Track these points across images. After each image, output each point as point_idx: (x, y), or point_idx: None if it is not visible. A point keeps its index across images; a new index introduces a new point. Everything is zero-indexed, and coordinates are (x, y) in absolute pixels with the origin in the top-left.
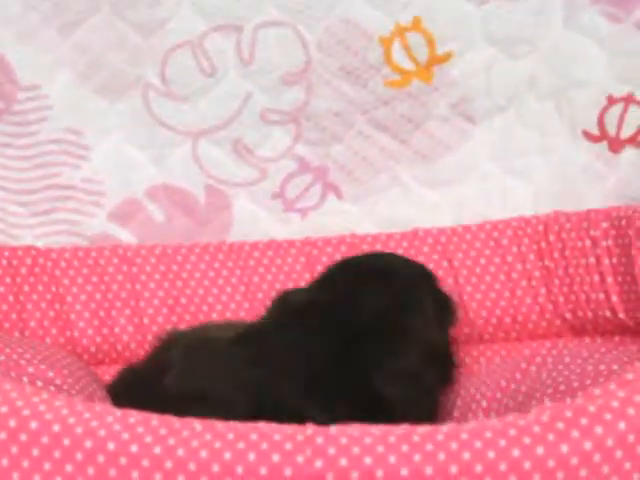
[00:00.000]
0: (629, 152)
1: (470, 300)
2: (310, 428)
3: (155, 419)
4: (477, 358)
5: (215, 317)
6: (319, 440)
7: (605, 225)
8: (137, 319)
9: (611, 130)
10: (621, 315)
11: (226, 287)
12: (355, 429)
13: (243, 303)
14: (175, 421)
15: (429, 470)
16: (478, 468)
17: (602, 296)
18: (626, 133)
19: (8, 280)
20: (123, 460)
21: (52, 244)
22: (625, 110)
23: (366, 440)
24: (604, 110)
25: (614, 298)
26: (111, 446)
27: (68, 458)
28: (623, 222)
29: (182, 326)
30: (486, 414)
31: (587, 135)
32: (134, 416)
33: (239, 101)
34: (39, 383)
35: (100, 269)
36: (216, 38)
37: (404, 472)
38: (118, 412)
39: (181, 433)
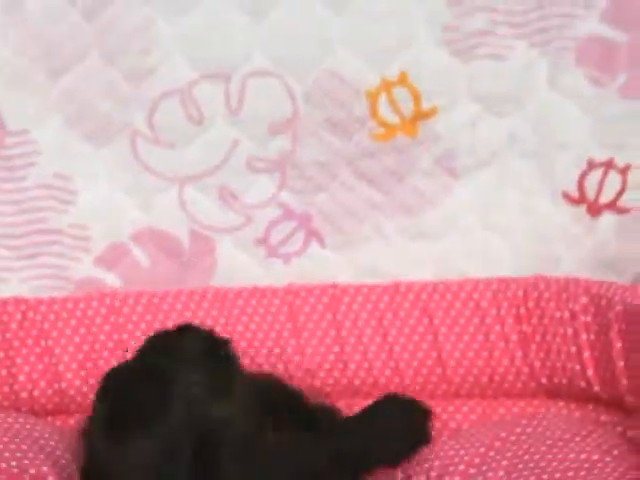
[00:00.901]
0: (607, 217)
1: (448, 357)
2: None
3: None
4: (453, 414)
5: None
6: None
7: (584, 300)
8: None
9: (591, 194)
10: (596, 388)
11: None
12: None
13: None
14: None
15: None
16: None
17: (578, 367)
18: (605, 198)
19: None
20: None
21: (38, 288)
22: (605, 175)
23: None
24: (584, 173)
25: (589, 372)
26: None
27: None
28: (603, 302)
29: None
30: (463, 477)
31: (567, 197)
32: None
33: (226, 148)
34: None
35: (88, 320)
36: (205, 86)
37: None
38: None
39: None
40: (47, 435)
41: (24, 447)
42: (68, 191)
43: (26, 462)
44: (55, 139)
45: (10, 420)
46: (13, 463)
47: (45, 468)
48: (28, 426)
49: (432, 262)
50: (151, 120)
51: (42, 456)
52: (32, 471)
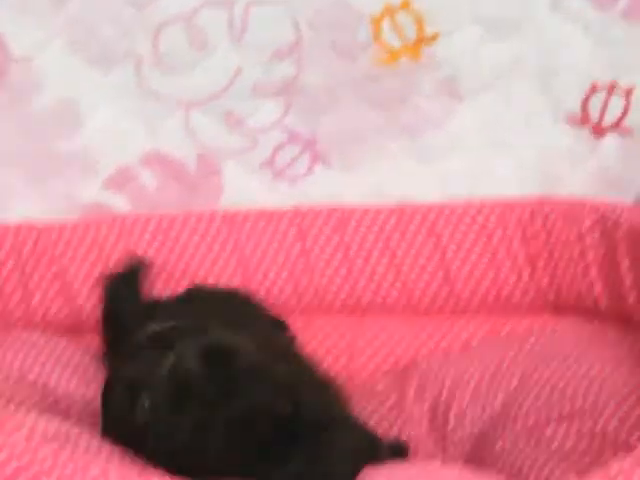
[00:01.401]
0: (611, 138)
1: (455, 277)
2: None
3: None
4: (461, 331)
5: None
6: None
7: (591, 220)
8: None
9: (594, 115)
10: (603, 305)
11: (220, 257)
12: None
13: (236, 273)
14: None
15: None
16: None
17: (585, 284)
18: (609, 120)
19: (11, 263)
20: None
21: (46, 212)
22: (608, 97)
23: None
24: (588, 96)
25: (597, 289)
26: None
27: None
28: (609, 222)
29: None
30: (474, 395)
31: (570, 119)
32: None
33: (230, 74)
34: None
35: (99, 244)
36: (207, 14)
37: None
38: None
39: None
40: (72, 352)
41: (51, 364)
42: (74, 116)
43: (54, 378)
44: (60, 65)
45: (35, 338)
46: (41, 380)
47: (73, 384)
48: (53, 343)
49: (437, 183)
50: (155, 46)
51: (69, 373)
52: (60, 389)
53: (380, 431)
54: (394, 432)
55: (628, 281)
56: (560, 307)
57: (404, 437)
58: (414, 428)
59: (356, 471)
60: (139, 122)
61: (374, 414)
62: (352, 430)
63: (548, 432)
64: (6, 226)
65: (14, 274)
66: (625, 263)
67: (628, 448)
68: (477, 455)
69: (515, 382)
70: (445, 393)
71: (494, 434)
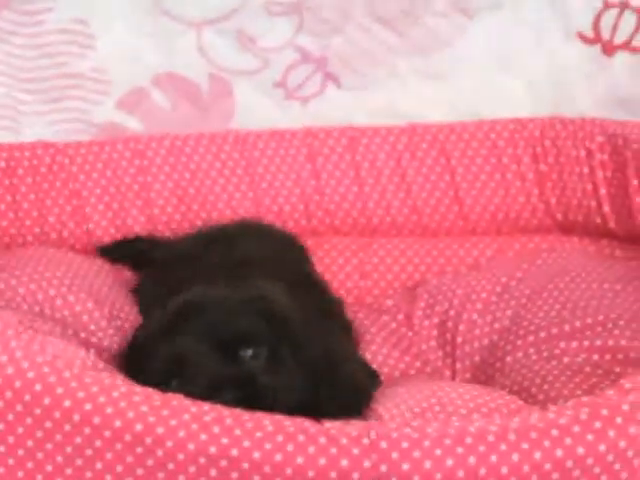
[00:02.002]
0: (621, 56)
1: (465, 196)
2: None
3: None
4: (470, 250)
5: (221, 207)
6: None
7: (601, 139)
8: (148, 210)
9: (605, 34)
10: (611, 224)
11: (232, 178)
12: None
13: (248, 193)
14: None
15: (482, 471)
16: (525, 468)
17: (594, 204)
18: (620, 38)
19: (29, 180)
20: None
21: (61, 131)
22: (620, 15)
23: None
24: (599, 14)
25: (606, 208)
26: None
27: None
28: (620, 141)
29: (190, 215)
30: (484, 308)
31: (581, 37)
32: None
33: None
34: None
35: (114, 163)
36: None
37: (460, 474)
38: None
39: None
40: (93, 273)
41: (69, 281)
42: (87, 35)
43: (71, 298)
44: None
45: (60, 255)
46: (59, 302)
47: (90, 304)
48: (76, 264)
49: (447, 103)
50: None
51: (85, 293)
52: (78, 307)
53: (390, 345)
54: (403, 346)
55: (637, 201)
56: (568, 226)
57: (414, 350)
58: (423, 342)
59: (365, 402)
60: (151, 41)
61: (384, 328)
62: (360, 366)
63: (560, 347)
64: (22, 144)
65: (31, 192)
66: (634, 183)
67: (639, 364)
68: (487, 368)
69: (524, 298)
70: (455, 308)
71: (504, 347)
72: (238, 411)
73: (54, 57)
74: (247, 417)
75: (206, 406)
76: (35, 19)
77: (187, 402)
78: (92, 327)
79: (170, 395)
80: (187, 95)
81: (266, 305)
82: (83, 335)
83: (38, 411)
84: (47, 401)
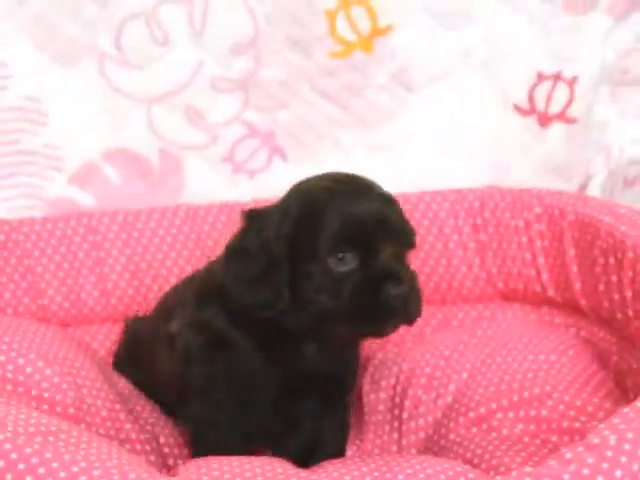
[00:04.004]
0: (556, 127)
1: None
2: None
3: None
4: None
5: (173, 280)
6: None
7: (538, 210)
8: (102, 285)
9: (540, 105)
10: (550, 292)
11: (183, 251)
12: None
13: (199, 266)
14: None
15: None
16: None
17: (533, 272)
18: (554, 109)
19: None
20: None
21: (13, 208)
22: (554, 87)
23: None
24: (534, 85)
25: (544, 276)
26: None
27: None
28: (556, 212)
29: (143, 289)
30: (428, 383)
31: (517, 109)
32: None
33: (191, 69)
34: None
35: (67, 239)
36: (169, 9)
37: None
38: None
39: None
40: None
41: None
42: (40, 113)
43: (21, 361)
44: (25, 62)
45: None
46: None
47: (40, 363)
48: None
49: (391, 174)
50: (118, 42)
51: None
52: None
53: None
54: (353, 421)
55: (574, 269)
56: (510, 294)
57: (364, 425)
58: (373, 415)
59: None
60: (102, 118)
61: None
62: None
63: (497, 420)
64: None
65: None
66: (571, 252)
67: (574, 433)
68: (432, 444)
69: (465, 374)
70: (401, 382)
71: (447, 425)
72: None
73: (7, 134)
74: None
75: None
76: None
77: None
78: (44, 385)
79: None
80: (138, 170)
81: None
82: (35, 392)
83: None
84: None
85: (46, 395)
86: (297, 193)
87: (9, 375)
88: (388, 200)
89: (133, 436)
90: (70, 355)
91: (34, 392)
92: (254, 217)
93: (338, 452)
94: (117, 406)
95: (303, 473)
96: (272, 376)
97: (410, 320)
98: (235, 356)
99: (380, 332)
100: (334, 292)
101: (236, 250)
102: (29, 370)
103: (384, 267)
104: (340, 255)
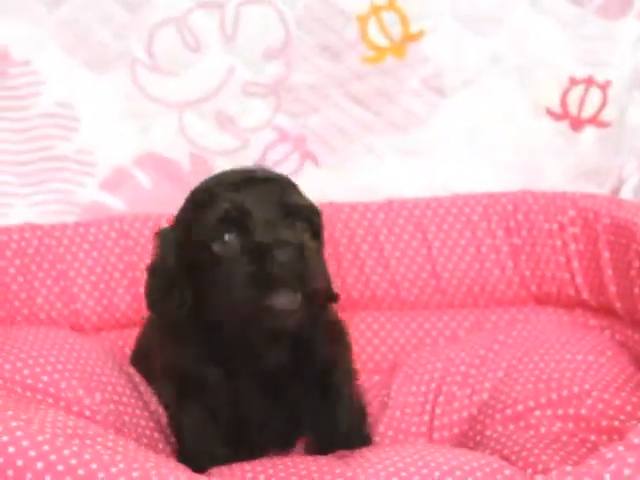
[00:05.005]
0: (589, 131)
1: (442, 270)
2: None
3: None
4: (448, 322)
5: None
6: None
7: (572, 213)
8: (134, 289)
9: (573, 110)
10: (585, 295)
11: None
12: None
13: None
14: None
15: None
16: None
17: (567, 276)
18: (587, 113)
19: (17, 262)
20: None
21: (45, 213)
22: (586, 91)
23: None
24: (566, 90)
25: (579, 280)
26: None
27: None
28: (591, 215)
29: None
30: (463, 381)
31: (550, 113)
32: None
33: (222, 75)
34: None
35: (99, 244)
36: (200, 14)
37: None
38: None
39: None
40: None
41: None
42: (72, 118)
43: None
44: (56, 68)
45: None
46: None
47: (74, 382)
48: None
49: (422, 178)
50: (149, 48)
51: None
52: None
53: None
54: (385, 421)
55: (608, 272)
56: (543, 298)
57: (394, 424)
58: (404, 416)
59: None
60: (133, 123)
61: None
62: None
63: (535, 417)
64: (9, 228)
65: (19, 274)
66: (606, 254)
67: (613, 432)
68: (467, 440)
69: (502, 372)
70: (435, 380)
71: (483, 421)
72: None
73: (39, 140)
74: None
75: None
76: (21, 104)
77: None
78: (75, 401)
79: None
80: (168, 175)
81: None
82: (63, 404)
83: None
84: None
85: (75, 409)
86: (185, 200)
87: (40, 385)
88: (267, 179)
89: (160, 446)
90: (98, 368)
91: (62, 404)
92: (158, 234)
93: (352, 428)
94: (145, 413)
95: (338, 469)
96: (246, 392)
97: (304, 286)
98: (203, 399)
99: (274, 304)
100: (226, 274)
101: (148, 268)
102: (63, 385)
103: (261, 238)
104: (224, 238)
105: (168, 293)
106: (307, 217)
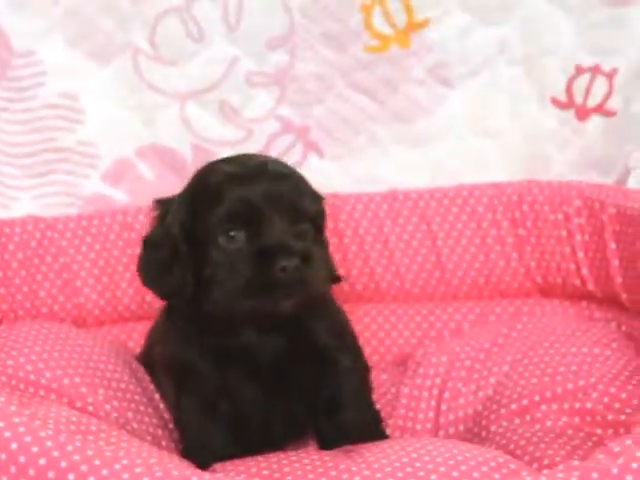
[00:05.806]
0: (595, 120)
1: (447, 261)
2: None
3: None
4: (452, 314)
5: None
6: None
7: (578, 203)
8: (137, 282)
9: (578, 98)
10: (590, 286)
11: None
12: None
13: None
14: None
15: None
16: None
17: (572, 266)
18: (593, 102)
19: (20, 255)
20: None
21: (48, 205)
22: (592, 80)
23: None
24: (572, 79)
25: (584, 270)
26: None
27: None
28: (596, 205)
29: None
30: (468, 377)
31: (555, 102)
32: None
33: (225, 65)
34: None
35: (102, 236)
36: (203, 4)
37: None
38: None
39: None
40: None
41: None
42: (75, 110)
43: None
44: (59, 58)
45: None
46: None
47: (77, 379)
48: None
49: (427, 169)
50: (152, 38)
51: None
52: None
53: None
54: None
55: (615, 263)
56: (548, 289)
57: (400, 423)
58: (410, 411)
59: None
60: (136, 114)
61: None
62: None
63: (540, 412)
64: (12, 220)
65: (21, 267)
66: (611, 246)
67: (619, 426)
68: (472, 436)
69: (507, 366)
70: (439, 375)
71: (489, 417)
72: None
73: (43, 132)
74: None
75: None
76: (24, 95)
77: None
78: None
79: None
80: (171, 166)
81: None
82: (65, 400)
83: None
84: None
85: (79, 405)
86: (195, 178)
87: (42, 381)
88: (279, 178)
89: (164, 443)
90: (101, 364)
91: (65, 400)
92: (161, 205)
93: (362, 417)
94: (149, 409)
95: (342, 465)
96: (245, 386)
97: (305, 293)
98: (203, 394)
99: (275, 305)
100: (229, 270)
101: (145, 240)
102: (66, 381)
103: (269, 242)
104: (231, 233)
105: (168, 267)
106: (314, 219)
